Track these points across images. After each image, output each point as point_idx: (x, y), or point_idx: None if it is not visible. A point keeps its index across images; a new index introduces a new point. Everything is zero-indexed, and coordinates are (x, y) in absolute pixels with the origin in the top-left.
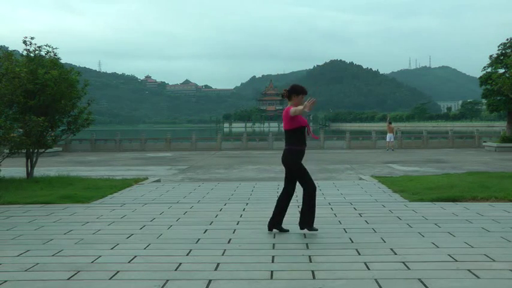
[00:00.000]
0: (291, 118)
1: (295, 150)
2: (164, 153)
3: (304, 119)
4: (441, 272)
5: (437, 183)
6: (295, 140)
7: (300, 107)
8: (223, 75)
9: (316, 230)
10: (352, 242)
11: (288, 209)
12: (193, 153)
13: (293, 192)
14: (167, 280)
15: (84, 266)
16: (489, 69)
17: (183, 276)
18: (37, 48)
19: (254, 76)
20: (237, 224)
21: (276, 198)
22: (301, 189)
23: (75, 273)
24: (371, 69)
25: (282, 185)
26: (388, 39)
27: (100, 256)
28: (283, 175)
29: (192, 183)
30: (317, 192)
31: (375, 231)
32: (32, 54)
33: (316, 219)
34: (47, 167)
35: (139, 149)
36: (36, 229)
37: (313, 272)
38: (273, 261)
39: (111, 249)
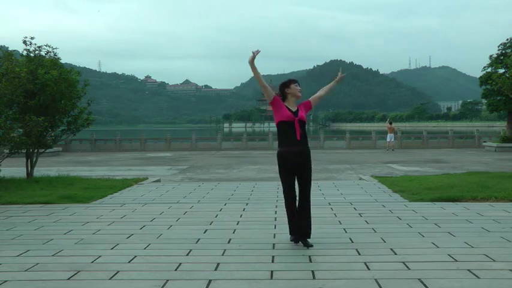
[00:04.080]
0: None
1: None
2: (164, 153)
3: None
4: (441, 272)
5: (437, 183)
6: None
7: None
8: (223, 75)
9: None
10: (352, 242)
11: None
12: (193, 153)
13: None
14: (167, 280)
15: (84, 266)
16: (489, 69)
17: (183, 276)
18: (37, 48)
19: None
20: (237, 224)
21: (276, 198)
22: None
23: (75, 273)
24: (371, 69)
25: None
26: (388, 39)
27: (100, 256)
28: None
29: (192, 183)
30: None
31: (375, 231)
32: (32, 54)
33: (316, 219)
34: (47, 167)
35: (140, 149)
36: (36, 229)
37: (313, 272)
38: (273, 261)
39: (111, 249)
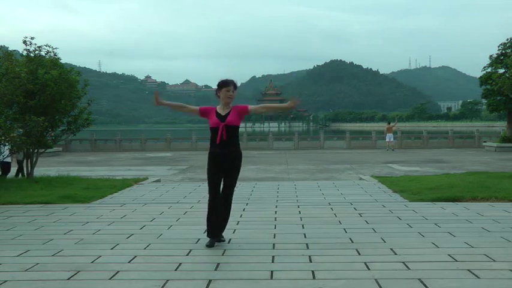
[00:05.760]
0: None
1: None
2: (164, 153)
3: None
4: (441, 272)
5: (437, 183)
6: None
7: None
8: (223, 75)
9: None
10: (352, 242)
11: (288, 208)
12: (193, 153)
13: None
14: (167, 280)
15: (84, 266)
16: (489, 69)
17: (183, 276)
18: (37, 48)
19: (254, 76)
20: (237, 224)
21: (276, 198)
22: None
23: (75, 273)
24: (371, 69)
25: (282, 184)
26: (388, 39)
27: (100, 256)
28: (283, 175)
29: (192, 183)
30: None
31: (375, 231)
32: (32, 54)
33: (316, 219)
34: (47, 167)
35: (140, 149)
36: (36, 229)
37: (313, 272)
38: (273, 261)
39: (111, 249)
